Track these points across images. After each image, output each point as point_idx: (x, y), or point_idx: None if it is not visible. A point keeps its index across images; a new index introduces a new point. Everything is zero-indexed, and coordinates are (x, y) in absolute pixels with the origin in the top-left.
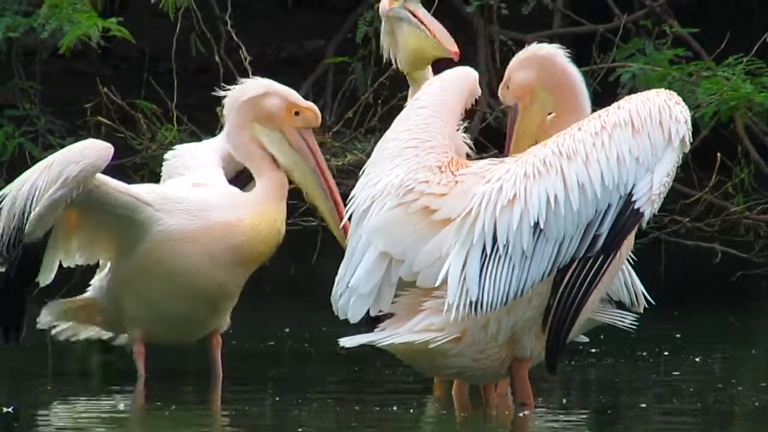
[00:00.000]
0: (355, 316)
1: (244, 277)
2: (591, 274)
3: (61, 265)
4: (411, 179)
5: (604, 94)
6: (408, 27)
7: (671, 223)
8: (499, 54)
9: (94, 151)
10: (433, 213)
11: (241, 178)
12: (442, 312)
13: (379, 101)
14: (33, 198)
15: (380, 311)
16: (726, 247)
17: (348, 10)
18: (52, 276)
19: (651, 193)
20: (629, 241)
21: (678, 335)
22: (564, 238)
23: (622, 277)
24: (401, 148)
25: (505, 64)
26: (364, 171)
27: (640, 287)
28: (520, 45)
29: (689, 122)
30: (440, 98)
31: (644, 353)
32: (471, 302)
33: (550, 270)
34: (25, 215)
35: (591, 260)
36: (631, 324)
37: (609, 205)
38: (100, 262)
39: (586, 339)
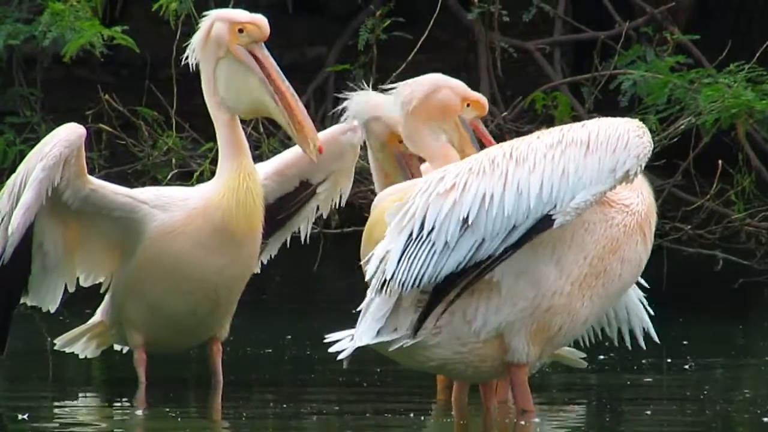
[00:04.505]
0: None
1: (248, 255)
2: (484, 265)
3: (66, 290)
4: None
5: (605, 102)
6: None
7: (673, 231)
8: (500, 61)
9: (64, 129)
10: None
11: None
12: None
13: None
14: (19, 190)
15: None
16: (727, 255)
17: (349, 18)
18: (58, 302)
19: (569, 206)
20: (639, 258)
21: (680, 341)
22: (488, 236)
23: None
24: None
25: (506, 71)
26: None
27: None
28: (521, 52)
29: (642, 159)
30: None
31: (647, 359)
32: (385, 280)
33: (466, 264)
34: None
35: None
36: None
37: (538, 213)
38: (103, 283)
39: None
